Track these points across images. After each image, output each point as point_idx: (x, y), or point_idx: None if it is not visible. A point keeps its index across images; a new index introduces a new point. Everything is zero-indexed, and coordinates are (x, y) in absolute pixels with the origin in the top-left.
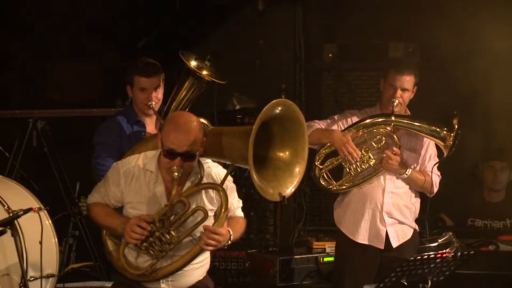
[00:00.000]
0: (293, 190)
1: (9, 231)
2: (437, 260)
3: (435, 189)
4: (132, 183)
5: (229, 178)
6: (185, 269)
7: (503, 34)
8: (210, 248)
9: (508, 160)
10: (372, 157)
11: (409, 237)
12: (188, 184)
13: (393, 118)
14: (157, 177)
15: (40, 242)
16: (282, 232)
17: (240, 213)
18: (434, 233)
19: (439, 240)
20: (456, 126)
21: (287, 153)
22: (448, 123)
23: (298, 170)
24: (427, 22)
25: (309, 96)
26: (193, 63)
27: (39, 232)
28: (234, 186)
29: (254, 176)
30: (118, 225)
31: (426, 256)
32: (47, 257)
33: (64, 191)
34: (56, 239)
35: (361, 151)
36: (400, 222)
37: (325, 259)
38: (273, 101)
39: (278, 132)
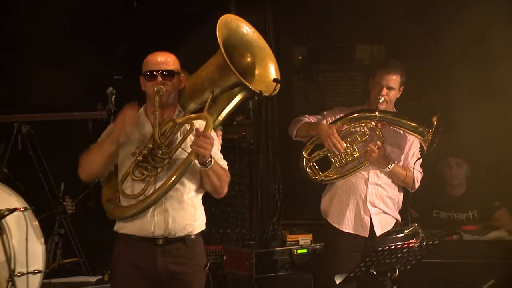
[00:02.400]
0: (276, 71)
1: None
2: (404, 250)
3: (417, 185)
4: None
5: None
6: (178, 213)
7: (468, 34)
8: (201, 150)
9: (465, 156)
10: (356, 150)
11: (391, 226)
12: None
13: (377, 113)
14: (144, 118)
15: (26, 240)
16: (257, 227)
17: (224, 164)
18: (401, 225)
19: (406, 231)
20: (436, 123)
21: (249, 55)
22: (427, 120)
23: (269, 59)
24: (392, 24)
25: (280, 97)
26: None
27: (25, 231)
28: (217, 137)
29: (245, 81)
30: (107, 135)
31: (393, 247)
32: (34, 254)
33: (49, 192)
34: (42, 237)
35: (346, 144)
36: (384, 212)
37: (299, 251)
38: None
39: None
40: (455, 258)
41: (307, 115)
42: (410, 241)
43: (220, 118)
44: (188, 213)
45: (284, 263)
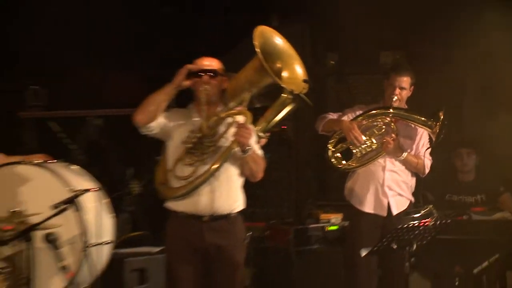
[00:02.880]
0: (304, 74)
1: (72, 207)
2: (421, 228)
3: (427, 170)
4: (178, 117)
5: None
6: (221, 194)
7: (476, 40)
8: (242, 138)
9: (474, 147)
10: (374, 141)
11: (406, 206)
12: None
13: (391, 110)
14: (194, 113)
15: (98, 215)
16: (295, 207)
17: (260, 153)
18: (418, 206)
19: (422, 212)
20: (442, 117)
21: (280, 61)
22: (435, 114)
23: (297, 64)
24: (410, 33)
25: (315, 97)
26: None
27: (97, 208)
28: (255, 130)
29: (279, 81)
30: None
31: (411, 225)
32: (104, 227)
33: (118, 175)
34: (112, 213)
35: (365, 137)
36: (399, 195)
37: (330, 228)
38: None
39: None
40: (464, 235)
41: (330, 113)
42: (426, 220)
43: (268, 124)
44: (230, 194)
45: (317, 238)
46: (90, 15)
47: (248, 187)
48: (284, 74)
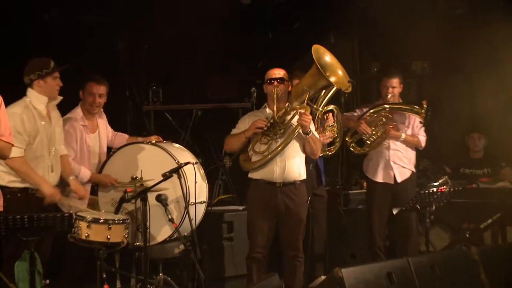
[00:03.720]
0: (346, 77)
1: (176, 175)
2: (438, 193)
3: (423, 144)
4: (253, 117)
5: None
6: (290, 166)
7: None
8: (304, 123)
9: (484, 132)
10: (379, 130)
11: (408, 176)
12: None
13: (386, 106)
14: (268, 109)
15: (195, 182)
16: (345, 177)
17: (317, 135)
18: (437, 176)
19: (439, 181)
20: (425, 105)
21: (329, 71)
22: (420, 103)
23: (341, 71)
24: (435, 46)
25: (362, 96)
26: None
27: (196, 176)
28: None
29: (331, 82)
30: (242, 130)
31: (431, 191)
32: (201, 191)
33: (214, 153)
34: (206, 180)
35: (371, 128)
36: (403, 167)
37: None
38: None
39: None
40: (474, 199)
41: (345, 113)
42: (442, 187)
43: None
44: (296, 166)
45: (360, 200)
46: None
47: None
48: (332, 79)
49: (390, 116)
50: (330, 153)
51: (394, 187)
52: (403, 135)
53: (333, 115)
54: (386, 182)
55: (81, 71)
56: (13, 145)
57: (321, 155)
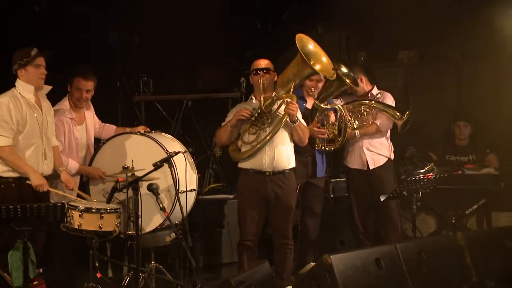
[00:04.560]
0: (330, 65)
1: (167, 164)
2: (425, 180)
3: (383, 129)
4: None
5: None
6: (279, 154)
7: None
8: (290, 111)
9: (469, 120)
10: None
11: (382, 163)
12: None
13: (373, 103)
14: (255, 100)
15: (185, 170)
16: (332, 165)
17: (304, 123)
18: (424, 163)
19: (426, 168)
20: (406, 117)
21: (313, 59)
22: (402, 111)
23: (325, 58)
24: (422, 36)
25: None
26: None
27: (186, 165)
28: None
29: (316, 70)
30: (228, 120)
31: (417, 177)
32: (191, 180)
33: (204, 143)
34: (196, 169)
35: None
36: (378, 154)
37: None
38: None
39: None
40: (459, 186)
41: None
42: (429, 174)
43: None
44: (285, 155)
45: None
46: (190, 28)
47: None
48: (317, 67)
49: (371, 111)
50: (328, 149)
51: (368, 174)
52: (357, 132)
53: (335, 113)
54: (359, 168)
55: (72, 62)
56: (0, 135)
57: (317, 148)
